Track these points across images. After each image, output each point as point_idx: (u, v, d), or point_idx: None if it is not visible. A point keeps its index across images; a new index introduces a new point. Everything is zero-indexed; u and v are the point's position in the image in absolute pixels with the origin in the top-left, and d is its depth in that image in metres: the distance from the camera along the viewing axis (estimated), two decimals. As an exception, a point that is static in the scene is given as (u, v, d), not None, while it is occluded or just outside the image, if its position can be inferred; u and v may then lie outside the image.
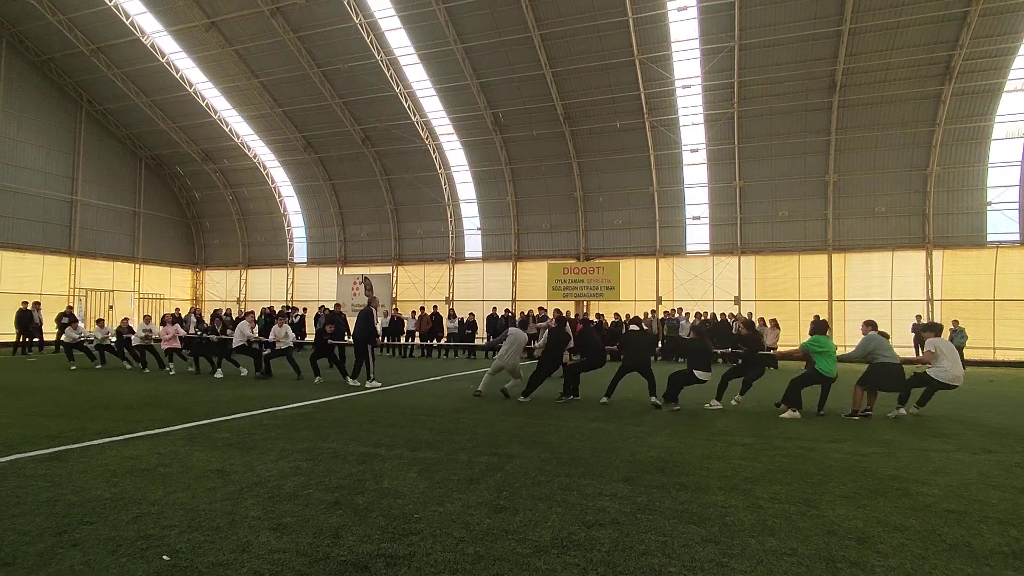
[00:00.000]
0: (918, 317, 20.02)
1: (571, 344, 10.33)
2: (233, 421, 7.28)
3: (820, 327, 8.94)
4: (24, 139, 25.15)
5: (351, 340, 11.70)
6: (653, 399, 9.10)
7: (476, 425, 7.24)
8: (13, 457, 5.24)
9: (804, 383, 8.60)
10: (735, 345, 10.01)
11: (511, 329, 10.45)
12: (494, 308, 22.88)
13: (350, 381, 10.84)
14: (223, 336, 13.43)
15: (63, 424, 6.90)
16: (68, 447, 5.67)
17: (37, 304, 20.30)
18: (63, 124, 26.73)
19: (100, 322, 16.21)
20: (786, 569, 3.14)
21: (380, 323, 22.77)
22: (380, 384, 10.90)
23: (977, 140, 20.98)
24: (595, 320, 19.50)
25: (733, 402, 9.13)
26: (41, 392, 9.89)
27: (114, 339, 14.84)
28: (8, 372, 13.22)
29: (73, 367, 13.98)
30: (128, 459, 5.25)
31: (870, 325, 8.80)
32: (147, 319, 15.00)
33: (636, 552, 3.33)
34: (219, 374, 12.73)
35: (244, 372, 12.70)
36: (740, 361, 9.66)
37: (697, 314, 20.98)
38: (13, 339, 19.94)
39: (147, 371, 13.46)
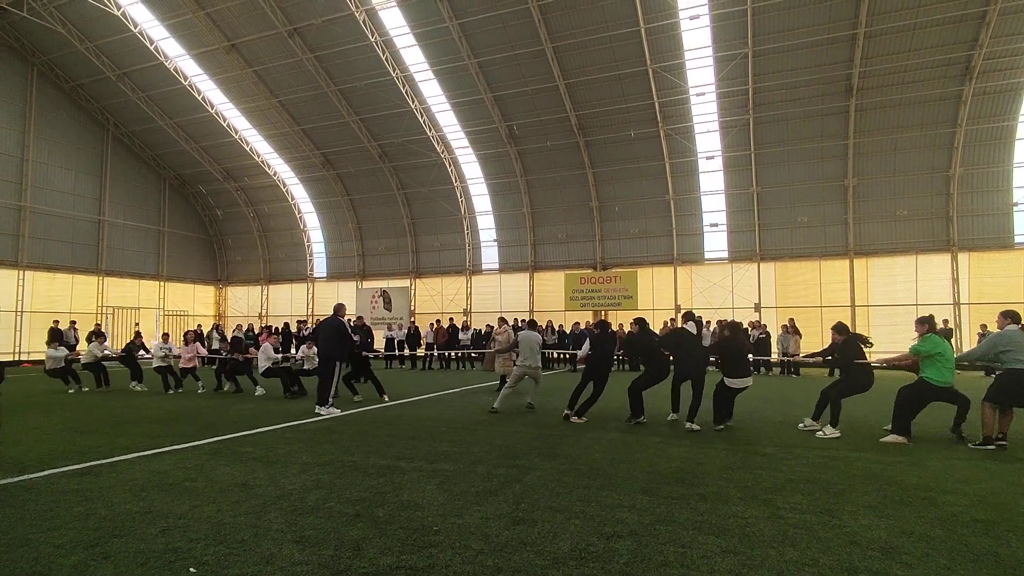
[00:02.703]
0: (945, 321, 19.56)
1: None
2: (256, 435, 7.41)
3: (933, 323, 7.22)
4: (54, 163, 26.00)
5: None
6: (690, 425, 7.64)
7: (494, 437, 7.27)
8: (46, 472, 5.40)
9: (913, 399, 6.95)
10: (827, 354, 8.14)
11: (522, 334, 9.80)
12: (515, 319, 22.85)
13: (317, 409, 9.26)
14: (247, 356, 13.07)
15: (93, 440, 7.09)
16: (98, 462, 5.83)
17: (73, 323, 20.83)
18: (91, 147, 27.59)
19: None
20: (807, 580, 3.12)
21: (400, 335, 22.94)
22: (338, 411, 9.33)
23: (1000, 140, 20.58)
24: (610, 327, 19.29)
25: (820, 433, 7.26)
26: (71, 408, 10.15)
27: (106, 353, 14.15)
28: (40, 389, 13.57)
29: (84, 388, 13.37)
30: (155, 473, 5.38)
31: (1008, 317, 6.80)
32: (165, 337, 14.26)
33: (655, 563, 3.33)
34: (259, 391, 12.17)
35: (260, 392, 12.11)
36: (838, 373, 7.91)
37: (720, 322, 20.73)
38: (44, 356, 20.43)
39: (171, 392, 12.79)
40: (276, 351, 12.74)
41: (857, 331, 8.28)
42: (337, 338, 9.52)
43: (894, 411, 6.99)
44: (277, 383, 12.40)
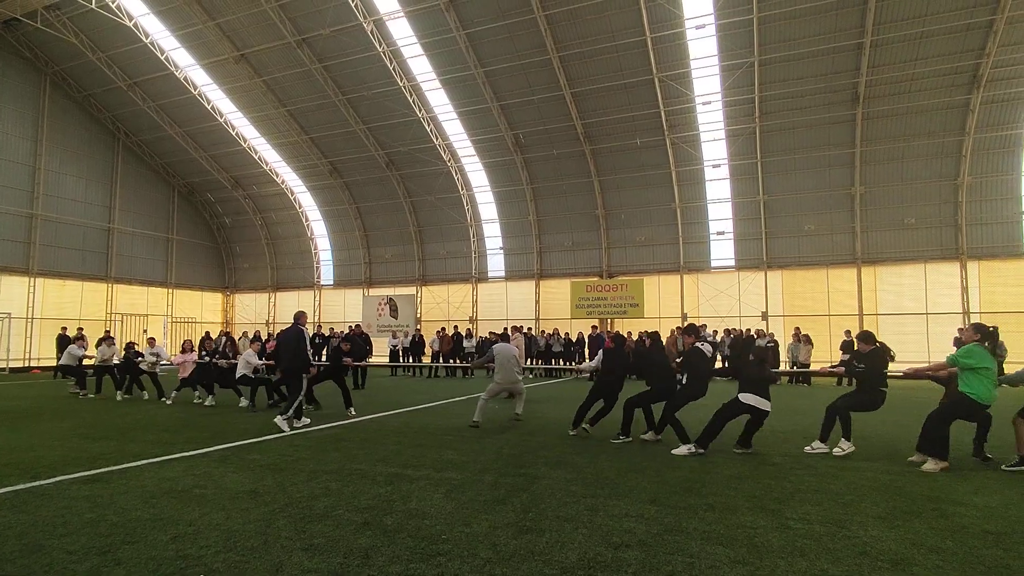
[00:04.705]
0: (961, 331, 19.37)
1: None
2: (264, 443, 7.44)
3: (988, 334, 6.20)
4: (65, 171, 26.31)
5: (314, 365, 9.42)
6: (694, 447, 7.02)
7: (501, 445, 7.27)
8: (58, 479, 5.45)
9: (949, 417, 6.19)
10: (852, 364, 7.07)
11: (497, 346, 9.25)
12: (529, 328, 22.80)
13: (277, 419, 8.52)
14: (232, 362, 12.27)
15: (103, 446, 7.14)
16: (108, 469, 5.87)
17: (80, 330, 20.91)
18: (101, 156, 27.90)
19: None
20: (817, 591, 3.11)
21: (404, 343, 22.94)
22: (308, 420, 8.86)
23: (1009, 148, 20.50)
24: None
25: (837, 450, 6.69)
26: (82, 415, 10.23)
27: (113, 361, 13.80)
28: (50, 396, 13.67)
29: (81, 392, 13.31)
30: (165, 480, 5.41)
31: None
32: (151, 342, 13.66)
33: (663, 573, 3.33)
34: (244, 402, 11.57)
35: (244, 403, 11.53)
36: (852, 383, 7.16)
37: (727, 331, 20.72)
38: (54, 363, 20.60)
39: (146, 398, 12.68)
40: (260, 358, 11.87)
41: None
42: (295, 348, 8.82)
43: (925, 428, 6.21)
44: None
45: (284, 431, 8.23)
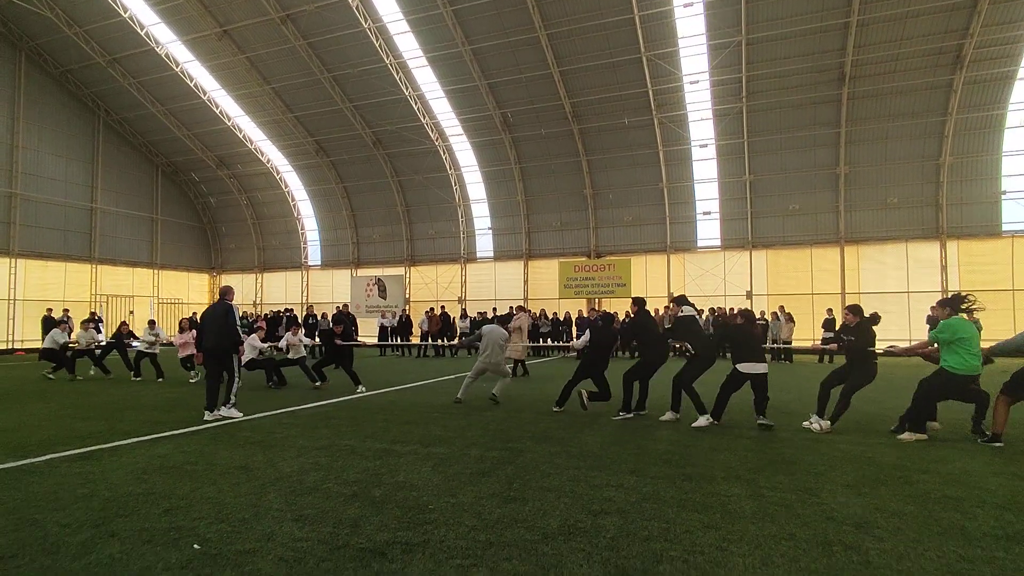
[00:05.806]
0: (933, 308, 19.82)
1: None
2: (254, 421, 7.53)
3: (954, 302, 6.37)
4: (44, 150, 25.80)
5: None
6: (711, 419, 7.11)
7: (488, 421, 7.42)
8: (48, 457, 5.51)
9: (934, 395, 6.35)
10: (841, 338, 7.15)
11: (486, 327, 9.32)
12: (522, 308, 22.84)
13: (207, 415, 7.71)
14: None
15: (92, 425, 7.20)
16: (99, 447, 5.94)
17: (66, 311, 20.72)
18: (82, 134, 27.37)
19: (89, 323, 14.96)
20: (783, 552, 3.28)
21: (392, 322, 22.99)
22: (241, 414, 7.88)
23: (990, 129, 20.76)
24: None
25: (816, 427, 6.77)
26: (70, 395, 10.24)
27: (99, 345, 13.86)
28: (34, 378, 13.62)
29: (61, 377, 13.15)
30: (156, 457, 5.50)
31: None
32: (152, 324, 13.83)
33: (639, 538, 3.49)
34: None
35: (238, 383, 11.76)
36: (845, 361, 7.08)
37: (712, 309, 20.97)
38: (38, 345, 20.43)
39: (139, 379, 12.65)
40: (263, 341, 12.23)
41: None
42: (223, 325, 7.91)
43: (912, 404, 6.38)
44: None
45: (237, 416, 7.75)
